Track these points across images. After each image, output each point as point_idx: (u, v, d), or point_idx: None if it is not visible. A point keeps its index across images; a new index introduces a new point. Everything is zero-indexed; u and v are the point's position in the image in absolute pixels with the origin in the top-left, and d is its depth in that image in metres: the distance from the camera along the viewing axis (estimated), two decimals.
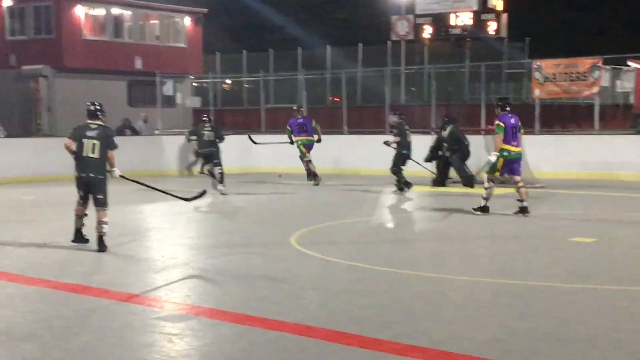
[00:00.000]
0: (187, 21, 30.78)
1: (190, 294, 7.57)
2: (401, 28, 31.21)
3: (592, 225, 12.07)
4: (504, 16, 30.48)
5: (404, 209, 14.85)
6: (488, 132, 20.08)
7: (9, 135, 22.97)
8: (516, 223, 12.38)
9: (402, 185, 16.63)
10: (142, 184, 10.91)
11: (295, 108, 19.85)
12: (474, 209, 13.19)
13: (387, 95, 24.69)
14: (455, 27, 30.49)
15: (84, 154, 9.67)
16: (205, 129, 17.53)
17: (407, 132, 16.80)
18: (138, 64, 28.74)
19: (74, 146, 9.75)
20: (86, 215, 10.02)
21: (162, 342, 5.88)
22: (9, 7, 27.95)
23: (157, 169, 22.86)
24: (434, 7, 30.76)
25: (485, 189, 13.11)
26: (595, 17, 47.04)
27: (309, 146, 19.16)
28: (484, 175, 13.30)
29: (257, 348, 5.68)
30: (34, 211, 14.17)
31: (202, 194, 10.81)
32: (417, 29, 30.92)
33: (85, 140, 9.68)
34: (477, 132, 20.62)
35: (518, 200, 12.93)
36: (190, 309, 6.86)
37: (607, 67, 22.70)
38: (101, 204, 9.80)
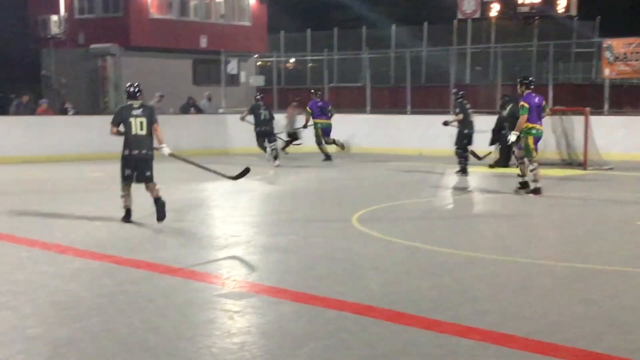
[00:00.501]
0: (252, 0, 30.84)
1: (252, 271, 7.62)
2: (468, 6, 30.70)
3: None
4: None
5: (466, 190, 14.69)
6: (555, 113, 19.75)
7: (77, 113, 23.45)
8: (582, 205, 12.16)
9: (464, 167, 16.29)
10: (190, 162, 11.13)
11: (312, 91, 20.63)
12: (526, 192, 13.18)
13: (452, 75, 24.40)
14: (523, 5, 29.83)
15: (134, 133, 10.04)
16: (262, 108, 19.26)
17: (469, 110, 16.44)
18: (203, 42, 28.93)
19: (120, 127, 10.14)
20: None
21: (223, 319, 5.94)
22: None
23: (221, 147, 23.10)
24: None
25: (531, 171, 13.11)
26: None
27: (327, 130, 19.92)
28: (529, 162, 13.21)
29: (317, 327, 5.69)
30: (101, 188, 14.43)
31: (245, 171, 10.95)
32: (484, 7, 30.34)
33: (132, 120, 10.04)
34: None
35: (519, 175, 13.29)
36: (251, 287, 6.90)
37: None
38: (150, 180, 10.18)
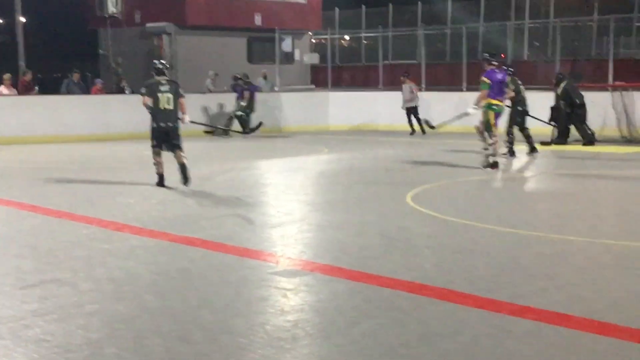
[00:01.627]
0: None
1: (306, 250, 7.62)
2: None
3: None
4: None
5: (523, 169, 14.49)
6: (615, 89, 19.35)
7: (133, 92, 23.69)
8: None
9: (513, 145, 15.79)
10: (207, 125, 13.32)
11: (240, 78, 21.75)
12: (483, 166, 13.40)
13: (509, 51, 24.03)
14: None
15: (162, 107, 11.06)
16: (246, 89, 20.97)
17: (521, 87, 16.07)
18: (258, 20, 28.92)
19: (150, 102, 11.12)
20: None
21: (277, 297, 5.96)
22: None
23: (275, 125, 23.13)
24: None
25: (490, 145, 13.35)
26: None
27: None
28: (478, 131, 13.63)
29: (371, 305, 5.67)
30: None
31: (259, 125, 11.97)
32: None
33: (160, 95, 11.06)
34: (604, 89, 19.85)
35: (488, 154, 13.38)
36: (305, 265, 6.91)
37: None
38: (178, 147, 11.25)
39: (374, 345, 4.83)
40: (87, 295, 5.99)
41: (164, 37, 27.23)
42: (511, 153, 15.70)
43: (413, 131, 21.50)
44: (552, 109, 18.06)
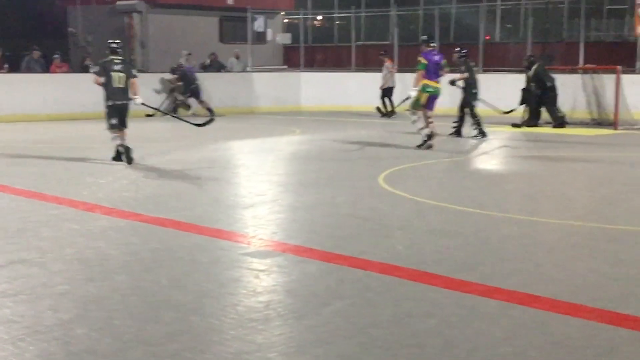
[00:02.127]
0: None
1: (277, 230, 7.62)
2: None
3: None
4: None
5: (494, 151, 14.58)
6: (586, 71, 19.49)
7: None
8: (611, 165, 12.01)
9: (481, 126, 15.78)
10: (159, 110, 13.62)
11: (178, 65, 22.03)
12: (418, 146, 13.72)
13: (481, 32, 24.09)
14: None
15: (115, 85, 11.50)
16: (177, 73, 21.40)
17: (474, 68, 16.21)
18: None
19: (101, 80, 11.56)
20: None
21: (249, 278, 5.95)
22: None
23: (247, 105, 23.05)
24: None
25: (412, 122, 13.88)
26: None
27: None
28: (412, 112, 13.99)
29: (343, 286, 5.69)
30: None
31: (210, 120, 12.95)
32: None
33: (113, 74, 11.51)
34: (575, 71, 19.99)
35: (426, 134, 13.72)
36: (277, 246, 6.91)
37: None
38: (125, 125, 11.73)
39: (346, 326, 4.85)
40: (57, 275, 5.94)
41: (135, 15, 26.94)
42: (482, 134, 15.76)
43: (387, 112, 21.44)
44: (523, 91, 18.17)
